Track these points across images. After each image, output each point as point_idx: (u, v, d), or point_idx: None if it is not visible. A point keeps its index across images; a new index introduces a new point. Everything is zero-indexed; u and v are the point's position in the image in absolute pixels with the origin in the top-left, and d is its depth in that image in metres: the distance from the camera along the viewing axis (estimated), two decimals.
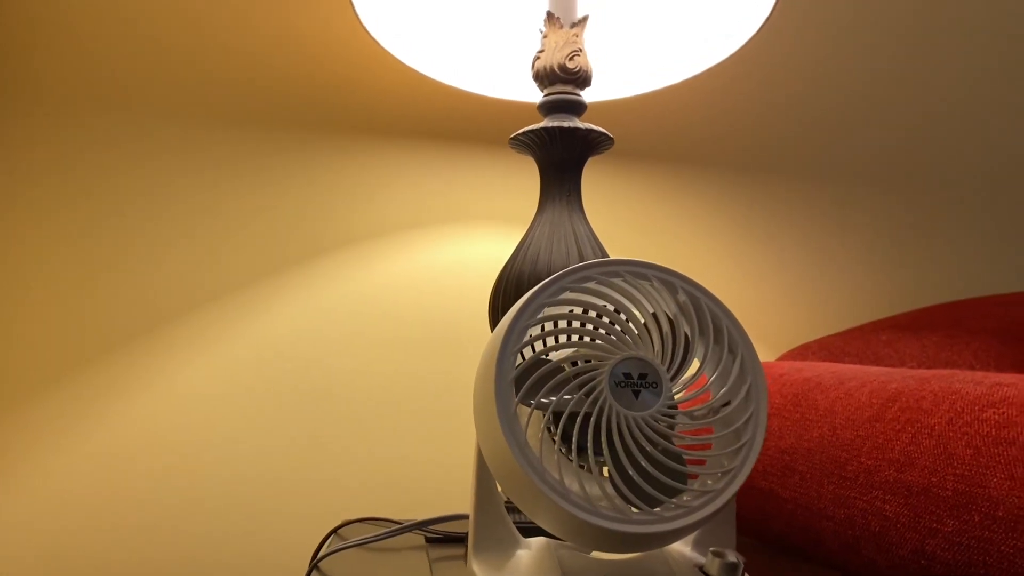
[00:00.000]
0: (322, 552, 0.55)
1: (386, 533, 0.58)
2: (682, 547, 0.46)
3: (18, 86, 0.82)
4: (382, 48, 0.78)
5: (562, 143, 0.65)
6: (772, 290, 0.97)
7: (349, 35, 0.89)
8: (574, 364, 0.41)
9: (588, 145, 0.66)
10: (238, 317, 0.84)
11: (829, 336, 0.90)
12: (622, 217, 0.95)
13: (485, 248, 0.91)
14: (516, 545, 0.45)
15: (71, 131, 0.83)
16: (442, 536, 0.65)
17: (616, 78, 0.81)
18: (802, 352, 0.88)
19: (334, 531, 0.67)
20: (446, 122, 0.92)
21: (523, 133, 0.65)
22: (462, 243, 0.90)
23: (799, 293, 0.97)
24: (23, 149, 0.81)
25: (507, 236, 0.92)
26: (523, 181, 0.93)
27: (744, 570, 0.42)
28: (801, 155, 1.01)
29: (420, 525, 0.60)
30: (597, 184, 0.95)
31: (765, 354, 0.95)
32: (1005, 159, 1.07)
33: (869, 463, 0.51)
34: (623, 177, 0.96)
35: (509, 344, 0.41)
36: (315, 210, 0.88)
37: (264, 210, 0.87)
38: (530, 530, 0.50)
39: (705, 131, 0.99)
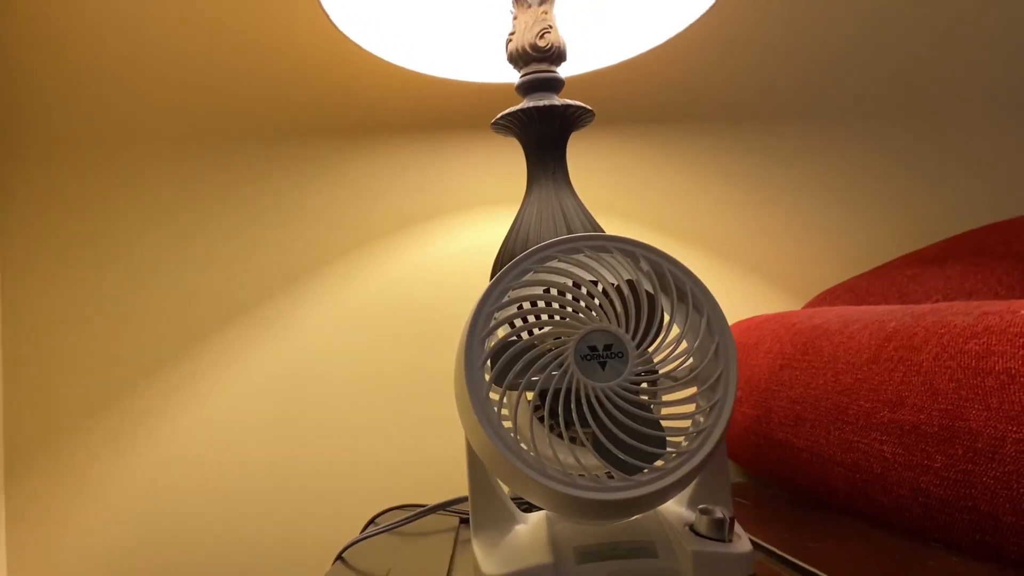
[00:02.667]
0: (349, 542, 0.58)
1: (408, 517, 0.60)
2: (677, 507, 0.47)
3: (47, 134, 0.88)
4: (358, 46, 0.79)
5: (541, 122, 0.65)
6: (790, 239, 0.95)
7: (321, 36, 0.92)
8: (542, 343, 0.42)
9: (568, 121, 0.66)
10: (257, 332, 0.88)
11: (854, 278, 0.88)
12: (624, 186, 0.95)
13: (493, 233, 0.92)
14: (514, 521, 0.47)
15: (99, 167, 0.89)
16: None
17: (596, 48, 0.81)
18: (826, 298, 0.87)
19: (371, 521, 0.70)
20: (435, 113, 0.94)
21: (503, 116, 0.66)
22: (469, 231, 0.92)
23: (819, 238, 0.95)
24: (61, 186, 0.87)
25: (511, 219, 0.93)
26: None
27: (732, 524, 0.43)
28: (799, 97, 0.98)
29: (443, 506, 0.62)
30: (596, 154, 0.95)
31: (791, 304, 0.94)
32: (1020, 74, 1.02)
33: (867, 405, 0.51)
34: (621, 144, 0.96)
35: (476, 331, 0.43)
36: (318, 216, 0.91)
37: (263, 222, 0.90)
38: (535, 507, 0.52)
39: (699, 87, 0.97)
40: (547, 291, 0.44)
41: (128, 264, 0.88)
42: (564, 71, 0.71)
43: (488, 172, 0.93)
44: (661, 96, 0.97)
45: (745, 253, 0.96)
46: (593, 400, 0.41)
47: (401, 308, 0.90)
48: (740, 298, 0.94)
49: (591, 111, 0.66)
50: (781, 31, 0.99)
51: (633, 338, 0.42)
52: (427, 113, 0.93)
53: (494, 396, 0.43)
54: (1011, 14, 1.02)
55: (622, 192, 0.95)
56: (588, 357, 0.42)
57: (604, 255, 0.45)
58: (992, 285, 0.73)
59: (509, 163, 0.93)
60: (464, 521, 0.67)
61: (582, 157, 0.95)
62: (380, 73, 0.92)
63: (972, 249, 0.80)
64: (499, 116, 0.66)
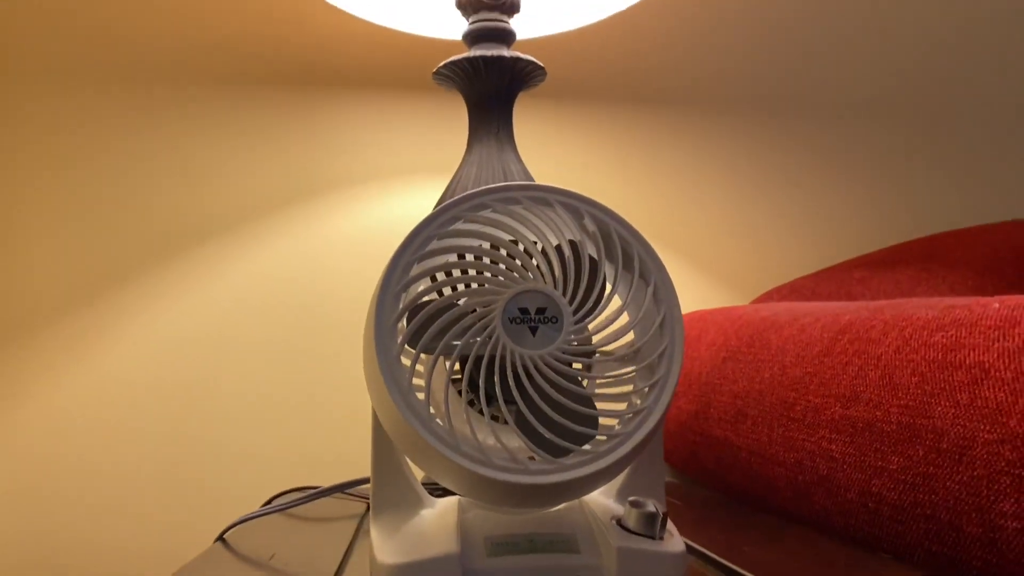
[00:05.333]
0: (232, 523, 0.51)
1: (301, 499, 0.54)
2: (605, 499, 0.42)
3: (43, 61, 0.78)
4: None
5: (488, 74, 0.60)
6: (737, 235, 0.92)
7: None
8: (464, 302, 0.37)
9: (517, 76, 0.61)
10: (153, 297, 0.80)
11: (801, 278, 0.85)
12: (565, 167, 0.90)
13: (425, 203, 0.86)
14: (420, 505, 0.41)
15: (79, 99, 0.82)
16: None
17: (552, 9, 0.75)
18: (772, 296, 0.84)
19: (267, 503, 0.64)
20: (380, 71, 0.87)
21: (447, 65, 0.60)
22: (397, 199, 0.86)
23: (767, 236, 0.92)
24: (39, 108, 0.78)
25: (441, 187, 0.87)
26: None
27: (665, 520, 0.38)
28: (759, 89, 0.95)
29: (342, 487, 0.56)
30: (537, 129, 0.90)
31: (734, 302, 0.90)
32: (977, 88, 1.01)
33: (816, 401, 0.47)
34: (569, 121, 0.90)
35: (391, 282, 0.37)
36: (227, 173, 0.83)
37: (168, 174, 0.83)
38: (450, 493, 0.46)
39: (651, 65, 0.93)
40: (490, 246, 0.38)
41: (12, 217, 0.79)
42: (517, 28, 0.65)
43: (427, 138, 0.87)
44: (612, 73, 0.92)
45: (690, 248, 0.92)
46: (519, 369, 0.35)
47: (316, 281, 0.83)
48: (683, 294, 0.90)
49: (543, 68, 0.61)
50: (733, 9, 0.95)
51: (571, 303, 0.37)
52: (368, 70, 0.87)
53: (407, 362, 0.37)
54: (962, 39, 1.01)
55: (563, 173, 0.90)
56: (517, 320, 0.36)
57: (545, 209, 0.39)
58: (944, 292, 0.71)
59: (451, 126, 0.87)
60: None
61: (521, 131, 0.89)
62: (319, 21, 0.85)
63: (923, 255, 0.78)
64: (442, 64, 0.61)
